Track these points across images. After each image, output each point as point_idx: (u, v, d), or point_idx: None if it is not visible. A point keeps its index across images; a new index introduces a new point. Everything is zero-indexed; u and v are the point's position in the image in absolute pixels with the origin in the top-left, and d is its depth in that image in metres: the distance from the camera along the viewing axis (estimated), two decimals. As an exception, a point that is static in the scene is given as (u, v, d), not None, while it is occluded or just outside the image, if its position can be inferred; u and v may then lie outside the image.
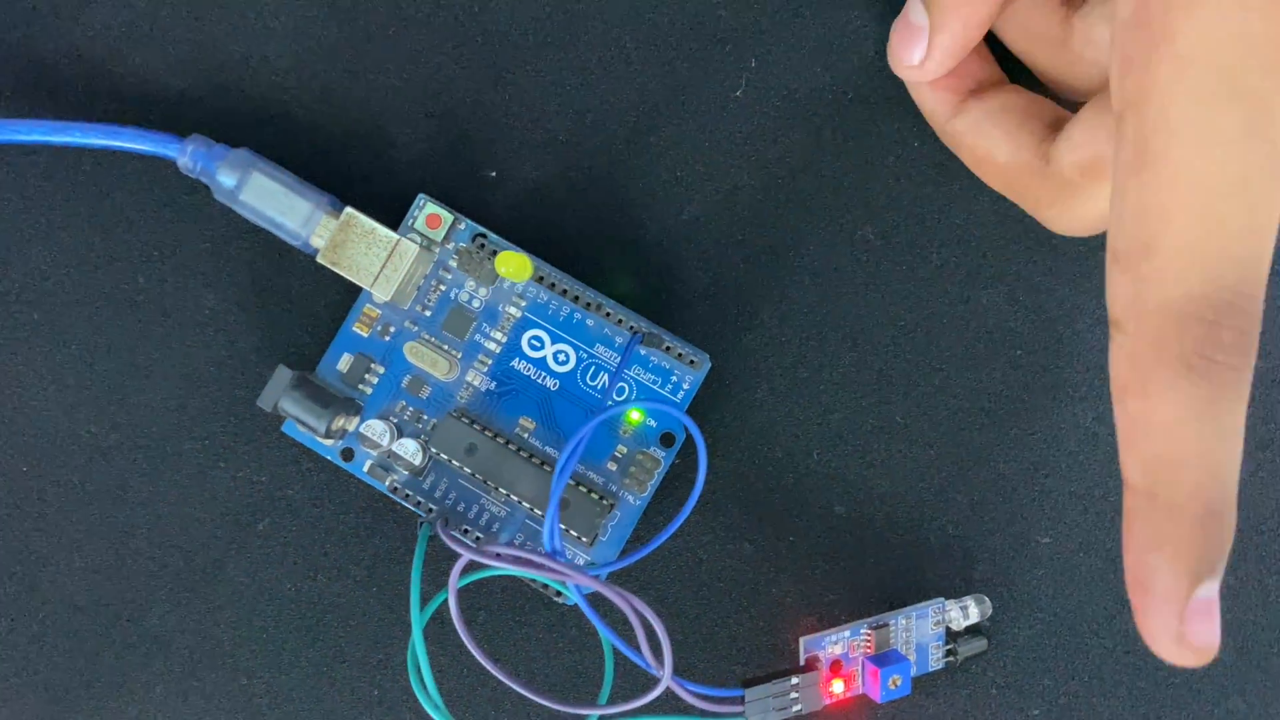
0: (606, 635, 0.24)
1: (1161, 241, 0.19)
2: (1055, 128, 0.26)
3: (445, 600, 0.24)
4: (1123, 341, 0.20)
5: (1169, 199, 0.19)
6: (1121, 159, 0.19)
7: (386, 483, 0.28)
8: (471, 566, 0.24)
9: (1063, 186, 0.26)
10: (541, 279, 0.28)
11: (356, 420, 0.28)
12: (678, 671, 0.24)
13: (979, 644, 0.28)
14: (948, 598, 0.28)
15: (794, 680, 0.26)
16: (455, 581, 0.23)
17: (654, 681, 0.24)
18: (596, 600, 0.26)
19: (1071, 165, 0.25)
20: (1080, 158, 0.25)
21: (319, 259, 0.27)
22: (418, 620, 0.23)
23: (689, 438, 0.28)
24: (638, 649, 0.24)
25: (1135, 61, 0.19)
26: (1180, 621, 0.19)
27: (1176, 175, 0.19)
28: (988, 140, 0.26)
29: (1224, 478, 0.19)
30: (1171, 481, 0.19)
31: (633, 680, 0.28)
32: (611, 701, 0.24)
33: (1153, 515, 0.19)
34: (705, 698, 0.24)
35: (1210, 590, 0.19)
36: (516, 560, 0.23)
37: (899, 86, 0.29)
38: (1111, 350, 0.20)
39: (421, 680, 0.23)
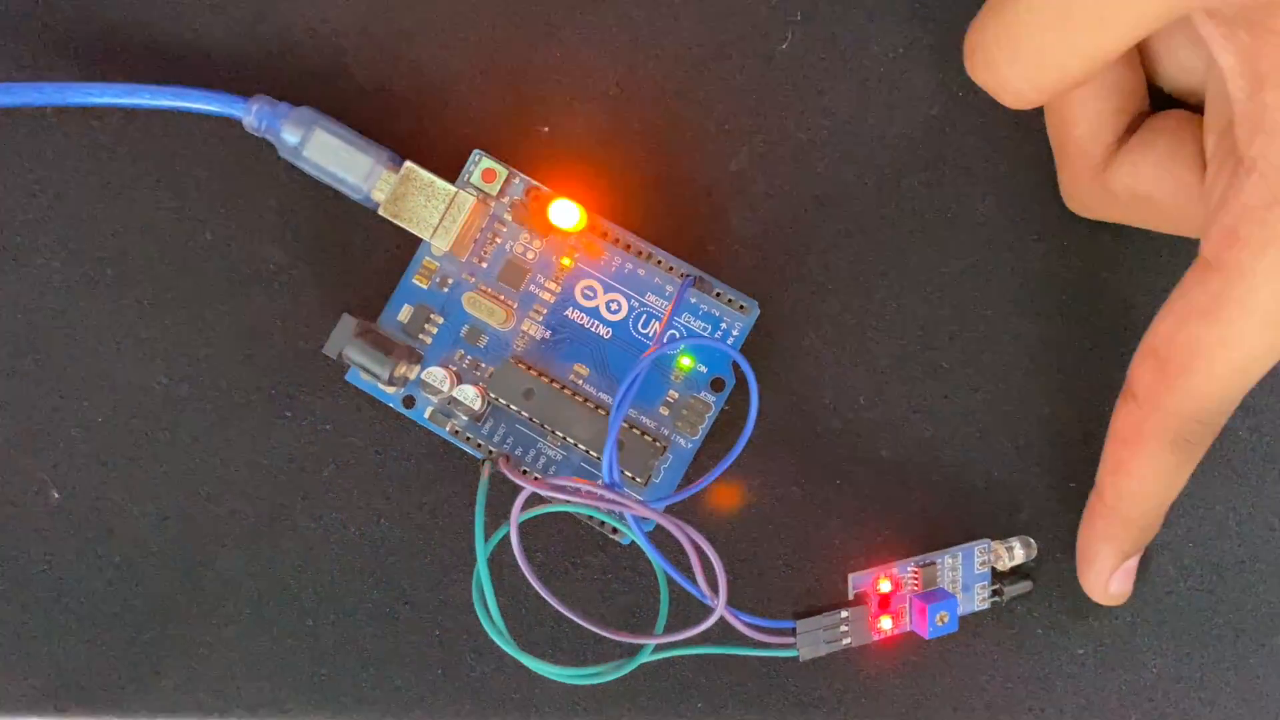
0: (662, 565, 0.24)
1: (1201, 373, 0.24)
2: (1134, 128, 0.26)
3: (505, 535, 0.25)
4: (1134, 409, 0.25)
5: (1223, 354, 0.23)
6: (1195, 299, 0.24)
7: (447, 427, 0.29)
8: (531, 503, 0.25)
9: (1105, 193, 0.26)
10: (593, 229, 0.29)
11: (417, 368, 0.29)
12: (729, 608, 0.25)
13: (1024, 585, 0.29)
14: (994, 539, 0.28)
15: (844, 614, 0.26)
16: (517, 514, 0.24)
17: (707, 615, 0.25)
18: (653, 538, 0.26)
19: (1125, 187, 0.26)
20: (1135, 187, 0.26)
21: (380, 211, 0.28)
22: (482, 550, 0.23)
23: (739, 383, 0.29)
24: (693, 580, 0.24)
25: (1244, 242, 0.22)
26: (1109, 582, 0.28)
27: (1240, 342, 0.23)
28: (1082, 102, 0.26)
29: (1165, 508, 0.27)
30: (1132, 506, 0.26)
31: (685, 617, 0.29)
32: (667, 633, 0.25)
33: (1110, 521, 0.27)
34: (758, 628, 0.25)
35: (1132, 563, 0.28)
36: (577, 492, 0.24)
37: (944, 37, 0.29)
38: (1120, 408, 0.26)
39: (486, 607, 0.24)
